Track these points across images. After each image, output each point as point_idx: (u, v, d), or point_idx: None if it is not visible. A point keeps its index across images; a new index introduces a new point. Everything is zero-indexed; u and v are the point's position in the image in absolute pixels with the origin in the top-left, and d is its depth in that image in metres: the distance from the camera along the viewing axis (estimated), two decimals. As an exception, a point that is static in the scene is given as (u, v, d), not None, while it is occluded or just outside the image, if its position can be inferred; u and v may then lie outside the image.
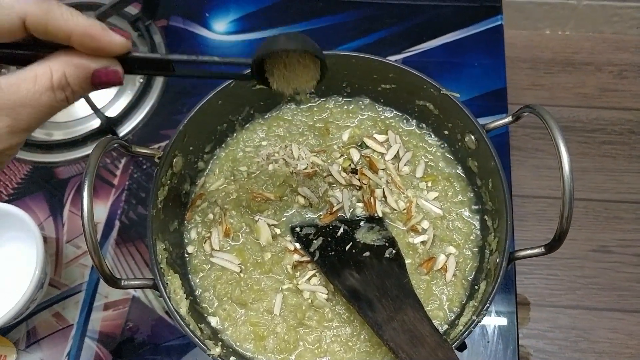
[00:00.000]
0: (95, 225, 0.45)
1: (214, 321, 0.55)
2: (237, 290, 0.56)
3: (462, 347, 0.61)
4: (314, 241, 0.56)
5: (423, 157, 0.62)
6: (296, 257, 0.57)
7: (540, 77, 0.97)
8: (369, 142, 0.63)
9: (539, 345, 0.80)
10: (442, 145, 0.62)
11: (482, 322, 0.62)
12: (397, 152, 0.62)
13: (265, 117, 0.66)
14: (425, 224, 0.58)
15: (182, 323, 0.48)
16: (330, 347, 0.53)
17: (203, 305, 0.56)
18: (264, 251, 0.58)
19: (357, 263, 0.54)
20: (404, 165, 0.61)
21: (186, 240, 0.60)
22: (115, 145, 0.49)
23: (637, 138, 0.94)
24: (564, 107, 0.96)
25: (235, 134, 0.65)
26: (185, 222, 0.61)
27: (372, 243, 0.56)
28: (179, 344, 0.64)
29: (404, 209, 0.59)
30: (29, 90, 0.35)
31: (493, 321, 0.63)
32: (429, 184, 0.60)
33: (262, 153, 0.63)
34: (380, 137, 0.63)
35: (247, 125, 0.65)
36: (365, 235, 0.56)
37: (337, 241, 0.56)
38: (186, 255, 0.59)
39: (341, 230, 0.57)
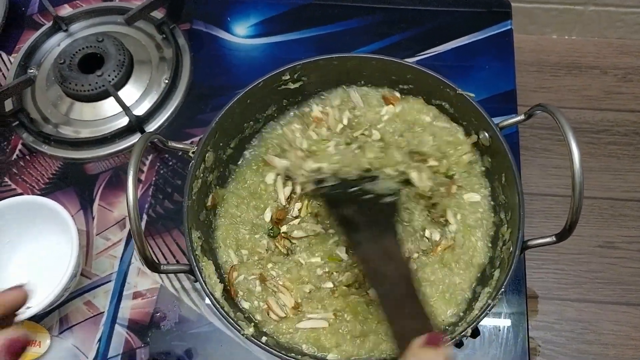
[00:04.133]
0: (138, 214, 0.48)
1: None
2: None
3: (475, 333, 0.64)
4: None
5: None
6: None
7: (546, 80, 1.01)
8: None
9: (547, 336, 0.83)
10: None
11: (495, 314, 0.65)
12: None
13: (290, 115, 0.69)
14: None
15: (218, 305, 0.51)
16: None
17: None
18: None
19: (355, 200, 0.56)
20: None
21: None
22: (155, 139, 0.53)
23: (641, 139, 0.97)
24: (570, 109, 0.99)
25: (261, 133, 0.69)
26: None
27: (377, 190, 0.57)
28: (205, 331, 0.67)
29: None
30: None
31: (504, 311, 0.66)
32: None
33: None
34: None
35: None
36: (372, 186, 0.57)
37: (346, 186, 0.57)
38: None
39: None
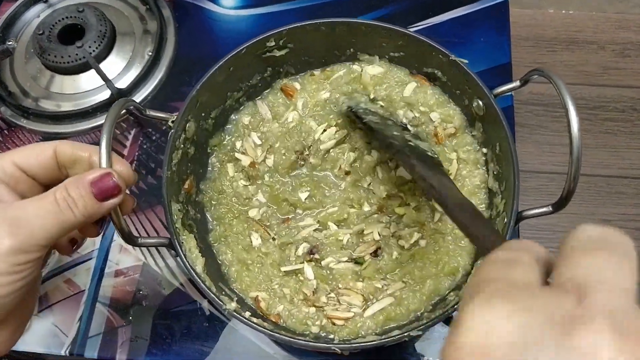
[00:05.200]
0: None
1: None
2: None
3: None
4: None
5: None
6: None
7: (543, 55, 0.98)
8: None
9: (541, 316, 0.82)
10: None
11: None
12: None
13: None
14: None
15: (199, 280, 0.49)
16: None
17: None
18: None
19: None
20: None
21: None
22: (131, 107, 0.50)
23: (638, 115, 0.95)
24: (566, 85, 0.97)
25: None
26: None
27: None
28: (188, 310, 0.65)
29: None
30: (33, 204, 0.39)
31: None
32: None
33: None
34: None
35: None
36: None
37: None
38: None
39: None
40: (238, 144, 0.64)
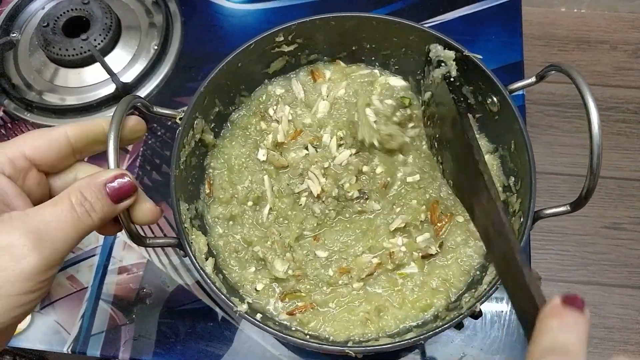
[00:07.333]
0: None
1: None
2: None
3: (478, 314, 0.61)
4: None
5: None
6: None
7: (554, 55, 0.97)
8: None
9: (550, 319, 0.80)
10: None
11: (497, 296, 0.62)
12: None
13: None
14: None
15: (209, 281, 0.48)
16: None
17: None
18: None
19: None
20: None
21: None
22: (138, 104, 0.48)
23: (651, 117, 0.93)
24: (585, 80, 0.96)
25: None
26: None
27: None
28: (193, 308, 0.64)
29: None
30: (51, 212, 0.37)
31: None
32: None
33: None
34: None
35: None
36: None
37: None
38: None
39: None
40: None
